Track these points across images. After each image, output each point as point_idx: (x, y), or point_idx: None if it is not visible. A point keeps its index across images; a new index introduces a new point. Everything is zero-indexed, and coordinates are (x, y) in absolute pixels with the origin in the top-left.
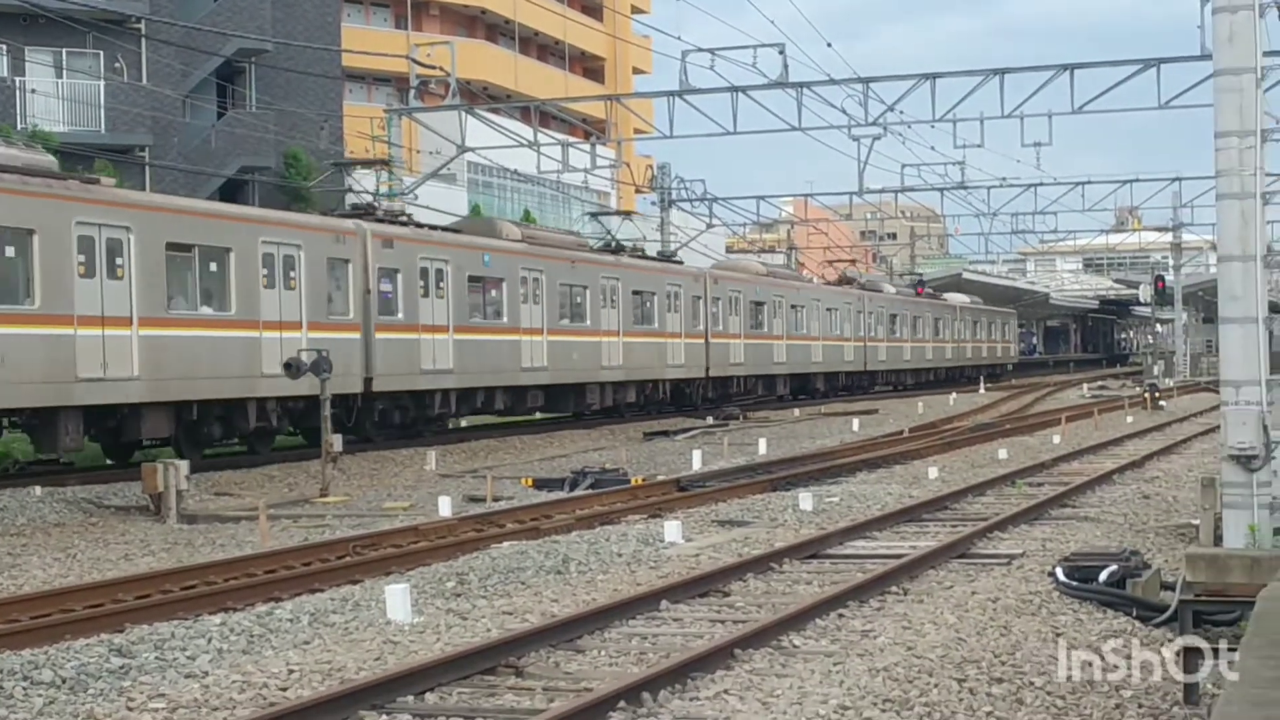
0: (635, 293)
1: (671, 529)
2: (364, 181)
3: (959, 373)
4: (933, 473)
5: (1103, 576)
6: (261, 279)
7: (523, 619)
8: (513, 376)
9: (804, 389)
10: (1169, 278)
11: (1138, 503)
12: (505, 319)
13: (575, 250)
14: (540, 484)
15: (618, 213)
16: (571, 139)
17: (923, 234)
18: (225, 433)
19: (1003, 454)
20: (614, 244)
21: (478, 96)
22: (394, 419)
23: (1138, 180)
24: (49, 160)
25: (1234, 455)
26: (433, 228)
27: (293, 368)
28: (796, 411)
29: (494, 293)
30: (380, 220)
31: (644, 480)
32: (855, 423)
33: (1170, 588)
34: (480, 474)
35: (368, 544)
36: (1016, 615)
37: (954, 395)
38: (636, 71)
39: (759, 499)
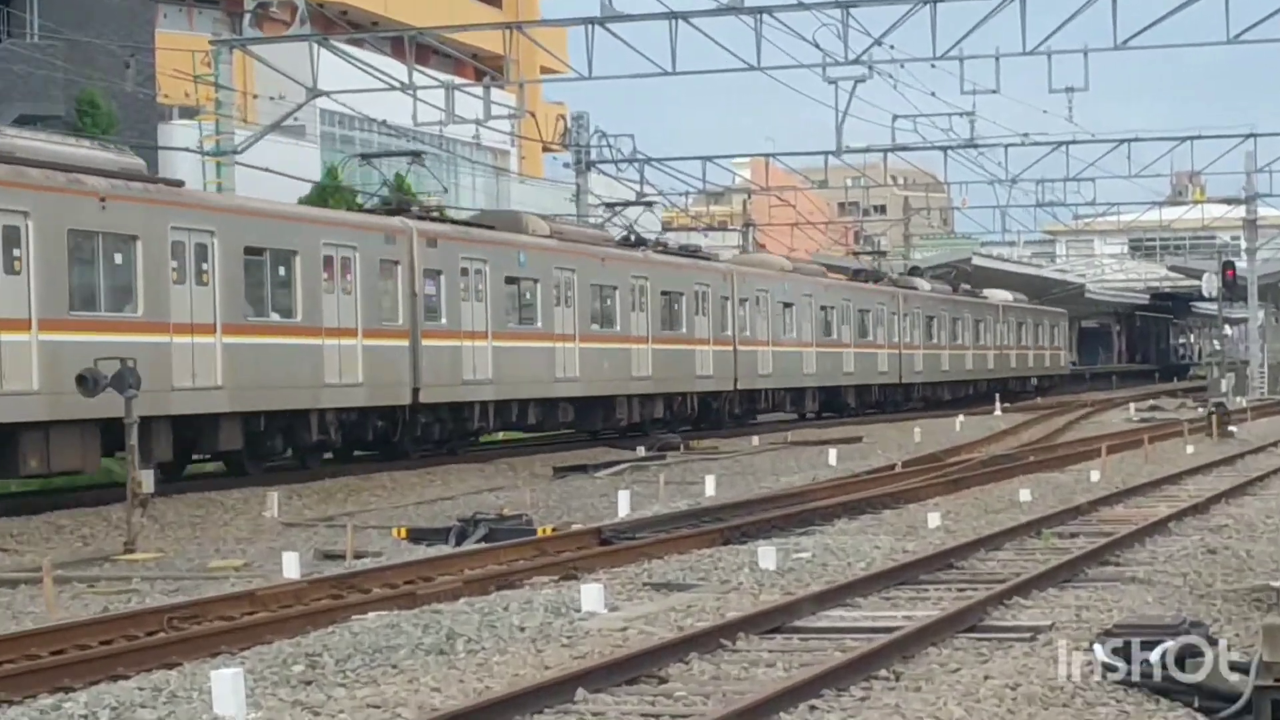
0: (664, 293)
1: (591, 595)
2: (182, 135)
3: (1003, 384)
4: (934, 520)
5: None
6: (323, 283)
7: (394, 715)
8: (546, 388)
9: (833, 404)
10: (1241, 264)
11: (1200, 559)
12: (540, 324)
13: (604, 246)
14: (418, 535)
15: (637, 201)
16: (459, 80)
17: (920, 206)
18: (286, 445)
19: (1025, 495)
20: (633, 235)
21: (334, 24)
22: (434, 434)
23: (1200, 137)
24: (139, 163)
25: None
26: (465, 223)
27: (88, 382)
28: (755, 440)
29: (529, 295)
30: (421, 217)
31: (554, 530)
32: (832, 454)
33: (1243, 669)
34: (338, 522)
35: (188, 615)
36: (1043, 707)
37: (961, 418)
38: None
39: (705, 555)
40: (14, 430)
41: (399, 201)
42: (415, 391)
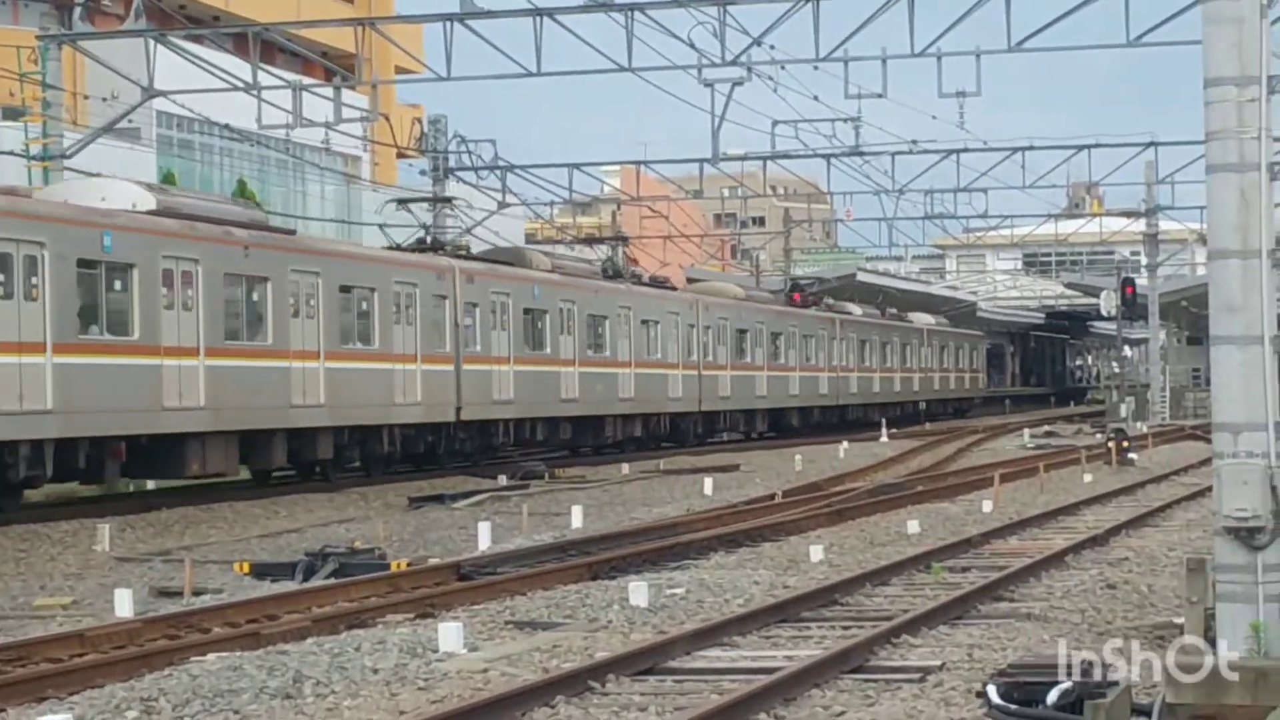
0: (643, 322)
1: (449, 634)
2: (7, 137)
3: (929, 405)
4: (816, 553)
5: (1051, 697)
6: (393, 316)
7: None
8: (553, 408)
9: (777, 425)
10: (1141, 281)
11: (1099, 594)
12: (548, 350)
13: (595, 279)
14: (262, 570)
15: (432, 198)
16: (307, 80)
17: (801, 219)
18: (361, 457)
19: (913, 527)
20: (611, 267)
21: (172, 19)
22: (467, 448)
23: (1098, 146)
24: (261, 215)
25: (1231, 528)
26: (485, 259)
27: None
28: (625, 468)
29: (540, 324)
30: (460, 256)
31: (409, 565)
32: (708, 483)
33: (1144, 713)
34: (176, 557)
35: (12, 658)
36: None
37: (845, 445)
38: None
39: (572, 591)
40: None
41: (433, 240)
42: (458, 410)
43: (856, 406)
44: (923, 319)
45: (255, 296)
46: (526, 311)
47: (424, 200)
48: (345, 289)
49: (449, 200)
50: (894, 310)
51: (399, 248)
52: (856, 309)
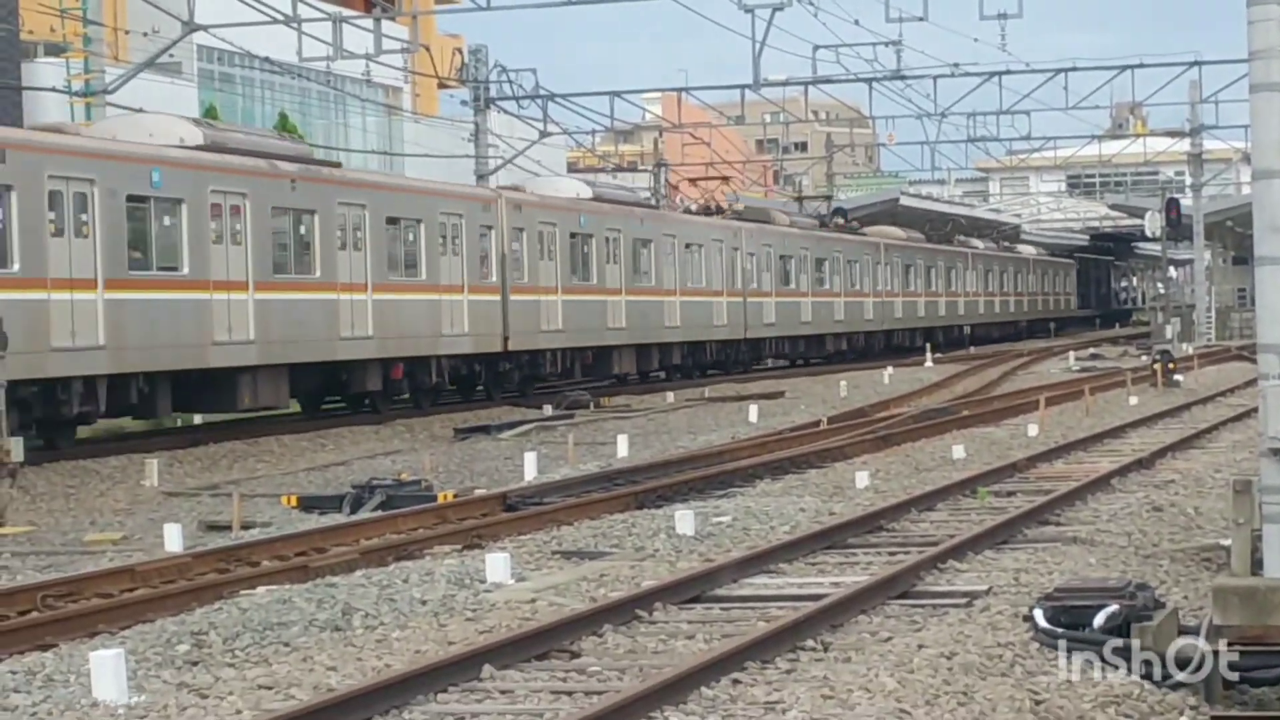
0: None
1: (496, 564)
2: (48, 74)
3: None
4: (862, 479)
5: (1099, 620)
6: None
7: (287, 695)
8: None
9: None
10: (1185, 202)
11: (1145, 517)
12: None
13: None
14: (309, 504)
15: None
16: (347, 11)
17: (844, 143)
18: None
19: (959, 452)
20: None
21: None
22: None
23: (1141, 66)
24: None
25: (1277, 449)
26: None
27: None
28: (670, 396)
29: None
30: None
31: (456, 496)
32: (753, 410)
33: (1193, 633)
34: (223, 491)
35: (63, 593)
36: (981, 677)
37: (890, 370)
38: None
39: (619, 520)
40: None
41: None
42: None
43: (982, 326)
44: (1028, 250)
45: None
46: (573, 237)
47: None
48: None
49: (547, 134)
50: (1007, 243)
51: None
52: (980, 244)
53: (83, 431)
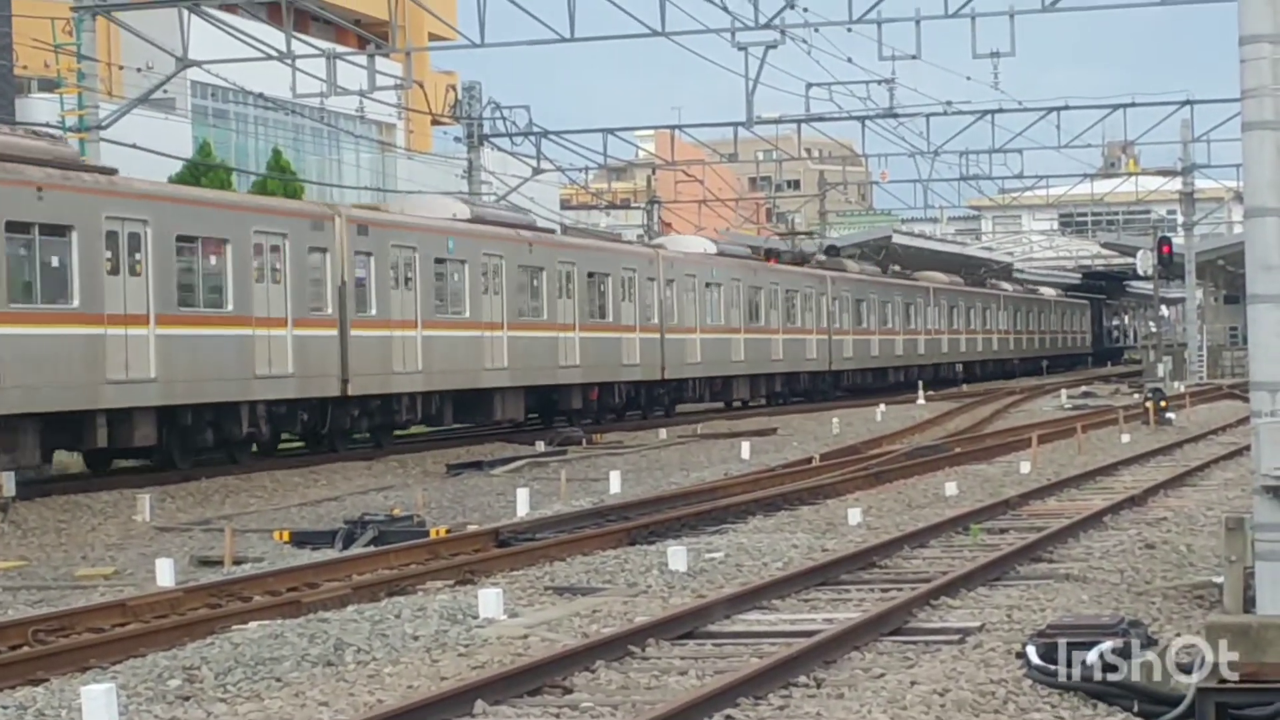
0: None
1: (489, 600)
2: (42, 109)
3: (1049, 360)
4: (854, 516)
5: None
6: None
7: None
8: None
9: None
10: (1177, 241)
11: (1138, 554)
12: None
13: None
14: (301, 539)
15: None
16: (341, 48)
17: (836, 181)
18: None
19: (951, 489)
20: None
21: None
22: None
23: (1133, 105)
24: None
25: (1270, 486)
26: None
27: None
28: (663, 433)
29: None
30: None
31: (448, 532)
32: (745, 447)
33: (1186, 670)
34: (215, 526)
35: (55, 628)
36: (974, 714)
37: (882, 408)
38: None
39: (611, 556)
40: None
41: None
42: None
43: (1022, 361)
44: (1048, 292)
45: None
46: (590, 277)
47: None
48: (440, 261)
49: (540, 170)
50: (1028, 285)
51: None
52: (1009, 286)
53: (74, 467)
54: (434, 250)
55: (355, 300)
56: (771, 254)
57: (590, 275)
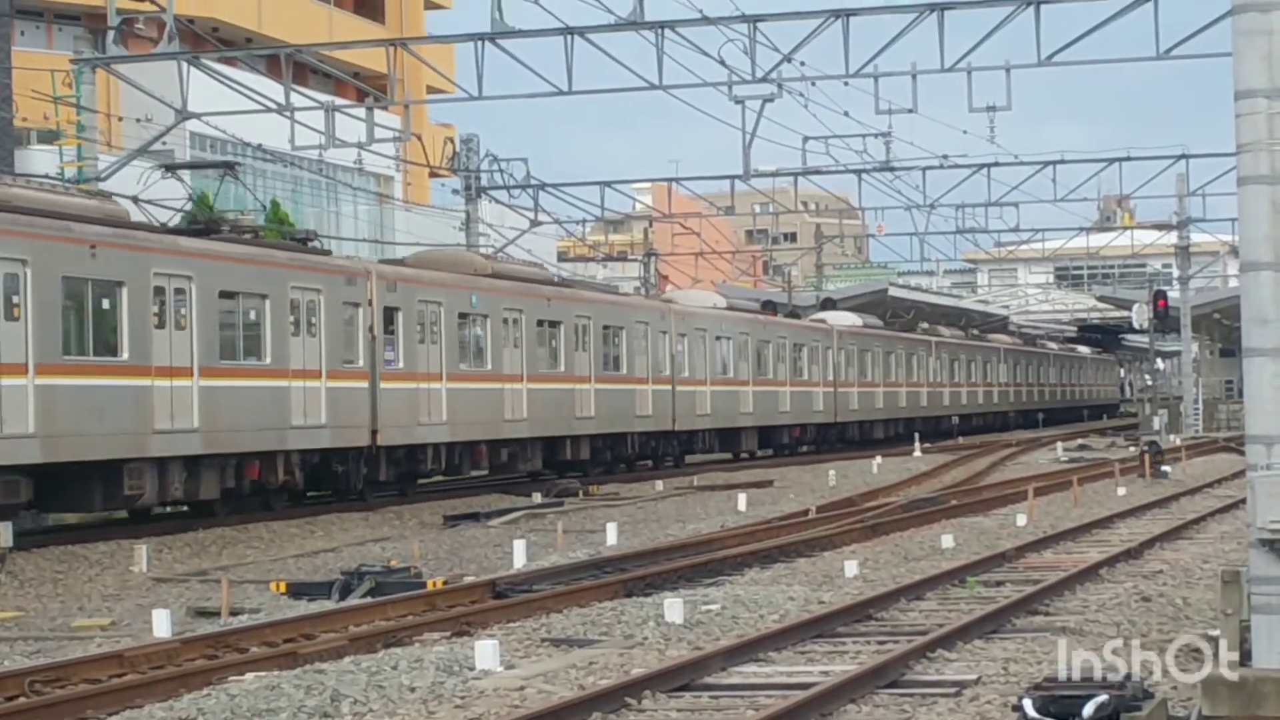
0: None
1: (485, 652)
2: (41, 160)
3: (1083, 409)
4: (851, 568)
5: (1088, 710)
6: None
7: None
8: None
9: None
10: (1173, 294)
11: (1134, 607)
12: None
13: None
14: (298, 590)
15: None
16: (340, 100)
17: (833, 234)
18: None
19: (947, 541)
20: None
21: (205, 41)
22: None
23: (1129, 159)
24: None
25: (1266, 539)
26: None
27: None
28: (659, 485)
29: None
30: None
31: (445, 583)
32: (741, 499)
33: None
34: (212, 577)
35: (51, 679)
36: None
37: (879, 459)
38: (431, 6)
39: (608, 608)
40: None
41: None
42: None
43: (1055, 410)
44: (1083, 349)
45: (105, 304)
46: (605, 329)
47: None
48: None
49: (538, 223)
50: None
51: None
52: (1003, 338)
53: (70, 518)
54: (458, 305)
55: (384, 353)
56: (769, 306)
57: (605, 328)
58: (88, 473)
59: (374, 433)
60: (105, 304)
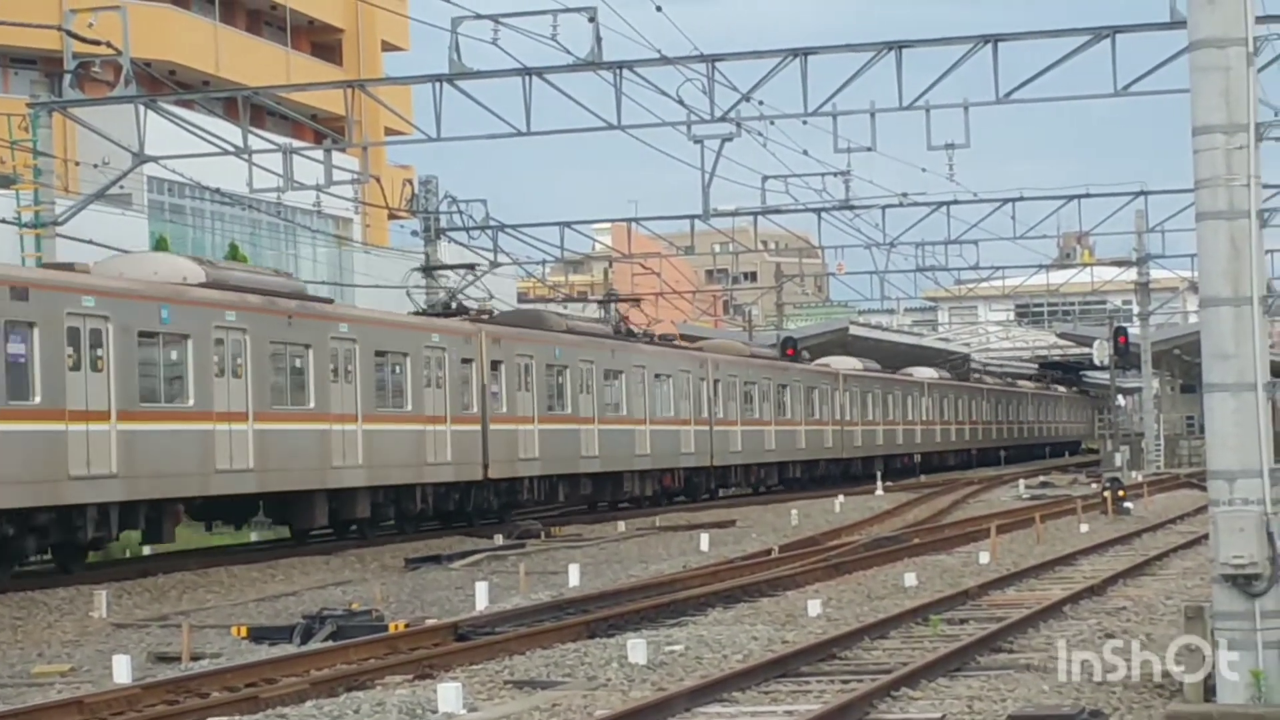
0: (656, 376)
1: (448, 695)
2: None
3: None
4: (814, 608)
5: None
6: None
7: None
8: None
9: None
10: (1133, 330)
11: (1098, 643)
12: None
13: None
14: (259, 634)
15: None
16: (298, 143)
17: (793, 273)
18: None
19: (910, 580)
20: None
21: (162, 84)
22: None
23: (1088, 196)
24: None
25: (1229, 575)
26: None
27: None
28: (621, 525)
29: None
30: (484, 320)
31: (407, 626)
32: (704, 539)
33: None
34: (173, 622)
35: None
36: None
37: (841, 499)
38: (389, 48)
39: (571, 649)
40: None
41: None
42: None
43: (1036, 445)
44: (1059, 389)
45: (298, 363)
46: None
47: (450, 267)
48: (551, 369)
49: (472, 267)
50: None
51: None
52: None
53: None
54: (545, 358)
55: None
56: (790, 344)
57: (656, 376)
58: (295, 498)
59: (485, 467)
60: (298, 363)
